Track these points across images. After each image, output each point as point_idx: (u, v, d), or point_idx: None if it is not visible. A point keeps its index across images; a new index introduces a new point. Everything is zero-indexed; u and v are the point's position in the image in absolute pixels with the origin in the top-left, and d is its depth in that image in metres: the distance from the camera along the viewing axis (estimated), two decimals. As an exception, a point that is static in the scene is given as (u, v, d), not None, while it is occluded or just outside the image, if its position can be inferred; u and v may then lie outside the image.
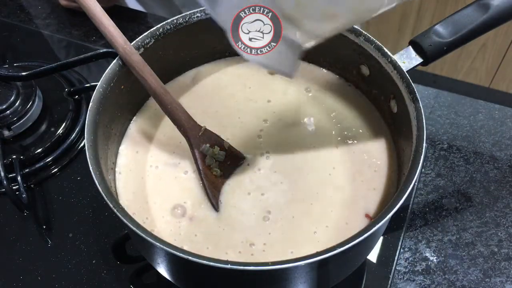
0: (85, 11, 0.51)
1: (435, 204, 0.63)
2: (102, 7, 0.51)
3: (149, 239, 0.40)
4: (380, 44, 0.52)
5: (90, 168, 0.44)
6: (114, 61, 0.52)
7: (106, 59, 0.63)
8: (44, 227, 0.62)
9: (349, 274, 0.52)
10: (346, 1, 0.37)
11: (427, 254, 0.59)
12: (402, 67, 0.50)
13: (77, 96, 0.72)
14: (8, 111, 0.66)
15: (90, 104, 0.49)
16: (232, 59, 0.62)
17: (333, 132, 0.55)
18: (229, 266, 0.39)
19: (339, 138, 0.55)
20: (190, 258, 0.39)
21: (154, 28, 0.54)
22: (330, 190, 0.51)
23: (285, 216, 0.49)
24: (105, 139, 0.51)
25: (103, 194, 0.43)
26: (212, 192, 0.51)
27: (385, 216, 0.41)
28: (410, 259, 0.59)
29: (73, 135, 0.68)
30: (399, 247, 0.59)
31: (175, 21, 0.55)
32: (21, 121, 0.67)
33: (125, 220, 0.41)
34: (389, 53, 0.51)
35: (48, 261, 0.59)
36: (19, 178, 0.62)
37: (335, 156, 0.53)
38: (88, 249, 0.60)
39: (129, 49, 0.51)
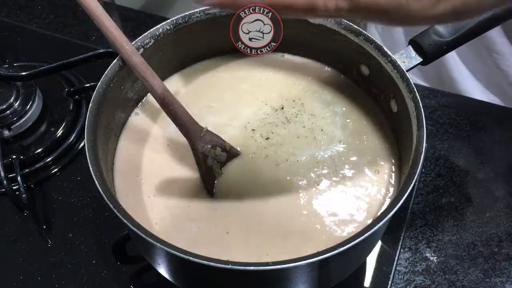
0: (86, 12, 0.51)
1: (435, 204, 0.63)
2: None
3: (149, 239, 0.40)
4: (380, 44, 0.52)
5: (90, 168, 0.44)
6: (114, 61, 0.52)
7: (106, 59, 0.63)
8: (44, 227, 0.62)
9: (350, 274, 0.52)
10: None
11: (427, 254, 0.59)
12: (402, 67, 0.50)
13: (77, 96, 0.72)
14: (8, 111, 0.66)
15: (90, 104, 0.49)
16: (231, 57, 0.62)
17: (334, 131, 0.55)
18: (229, 266, 0.39)
19: (340, 137, 0.55)
20: (190, 258, 0.39)
21: (154, 28, 0.54)
22: (331, 189, 0.51)
23: (284, 220, 0.49)
24: (105, 139, 0.51)
25: (103, 195, 0.43)
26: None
27: (385, 216, 0.41)
28: (410, 259, 0.59)
29: (73, 135, 0.68)
30: (399, 247, 0.59)
31: (174, 21, 0.55)
32: (21, 121, 0.67)
33: (125, 221, 0.41)
34: (388, 52, 0.51)
35: (48, 261, 0.59)
36: (19, 178, 0.62)
37: (336, 155, 0.53)
38: (88, 249, 0.60)
39: (131, 50, 0.51)
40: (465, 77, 0.85)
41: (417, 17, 0.30)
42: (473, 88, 0.85)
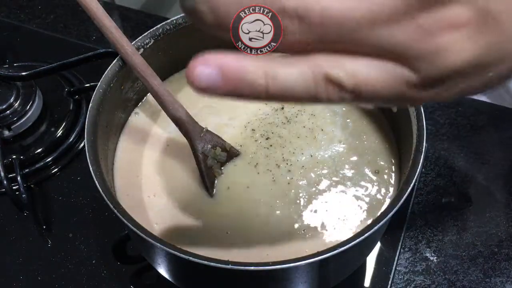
0: (87, 11, 0.51)
1: (435, 204, 0.63)
2: None
3: (149, 239, 0.40)
4: (380, 44, 0.51)
5: (90, 168, 0.44)
6: (114, 61, 0.52)
7: (106, 59, 0.63)
8: (44, 227, 0.62)
9: (350, 274, 0.52)
10: None
11: (427, 254, 0.59)
12: (402, 67, 0.50)
13: (77, 96, 0.72)
14: (8, 111, 0.66)
15: (90, 104, 0.49)
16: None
17: (334, 131, 0.55)
18: (229, 266, 0.39)
19: (340, 137, 0.55)
20: (190, 258, 0.39)
21: (154, 28, 0.54)
22: (330, 189, 0.51)
23: (284, 220, 0.49)
24: (105, 139, 0.51)
25: (103, 195, 0.43)
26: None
27: (385, 216, 0.41)
28: (410, 259, 0.59)
29: (73, 135, 0.68)
30: (399, 247, 0.59)
31: (174, 21, 0.55)
32: (21, 121, 0.67)
33: (125, 221, 0.41)
34: (389, 53, 0.51)
35: (48, 261, 0.59)
36: (19, 178, 0.62)
37: (336, 155, 0.53)
38: (88, 249, 0.60)
39: (131, 50, 0.51)
40: None
41: (423, 101, 0.30)
42: None
